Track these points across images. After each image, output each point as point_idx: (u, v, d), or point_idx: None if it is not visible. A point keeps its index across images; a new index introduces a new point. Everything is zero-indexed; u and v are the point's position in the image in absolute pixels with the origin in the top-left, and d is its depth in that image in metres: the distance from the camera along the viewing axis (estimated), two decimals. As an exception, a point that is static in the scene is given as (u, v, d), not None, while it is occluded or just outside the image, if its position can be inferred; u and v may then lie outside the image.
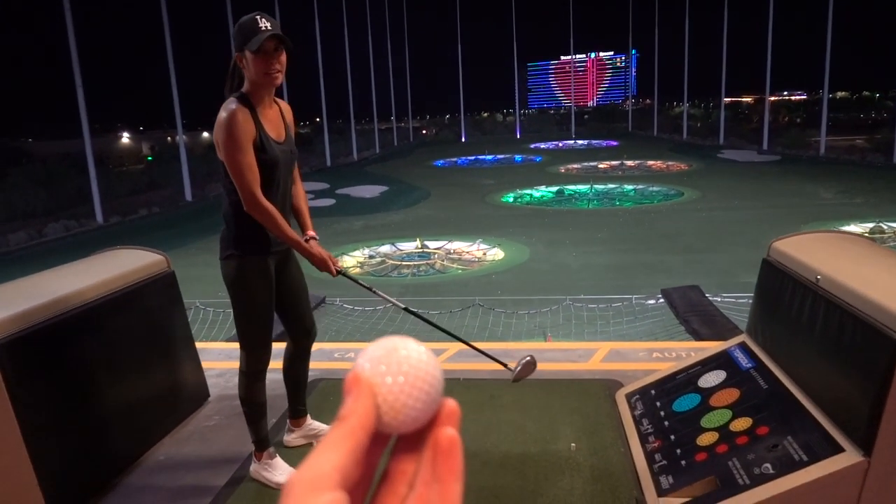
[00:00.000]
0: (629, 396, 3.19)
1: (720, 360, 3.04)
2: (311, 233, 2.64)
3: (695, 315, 5.56)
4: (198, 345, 3.69)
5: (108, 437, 2.78)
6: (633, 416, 2.99)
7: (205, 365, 3.61)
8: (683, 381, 3.04)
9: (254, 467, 2.72)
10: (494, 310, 6.94)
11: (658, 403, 2.97)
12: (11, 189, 18.52)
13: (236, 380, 3.72)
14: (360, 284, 2.74)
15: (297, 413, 2.96)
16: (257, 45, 2.29)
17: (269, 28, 2.31)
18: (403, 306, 2.80)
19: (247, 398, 2.65)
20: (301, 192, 2.70)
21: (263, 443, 2.70)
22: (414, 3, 41.82)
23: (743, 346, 3.05)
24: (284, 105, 2.63)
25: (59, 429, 2.52)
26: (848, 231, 3.55)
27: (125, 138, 33.47)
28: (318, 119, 31.60)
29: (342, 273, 2.60)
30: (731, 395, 2.71)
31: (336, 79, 32.30)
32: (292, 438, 2.97)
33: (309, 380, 3.05)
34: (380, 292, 2.77)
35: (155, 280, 3.19)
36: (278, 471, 2.67)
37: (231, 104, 2.38)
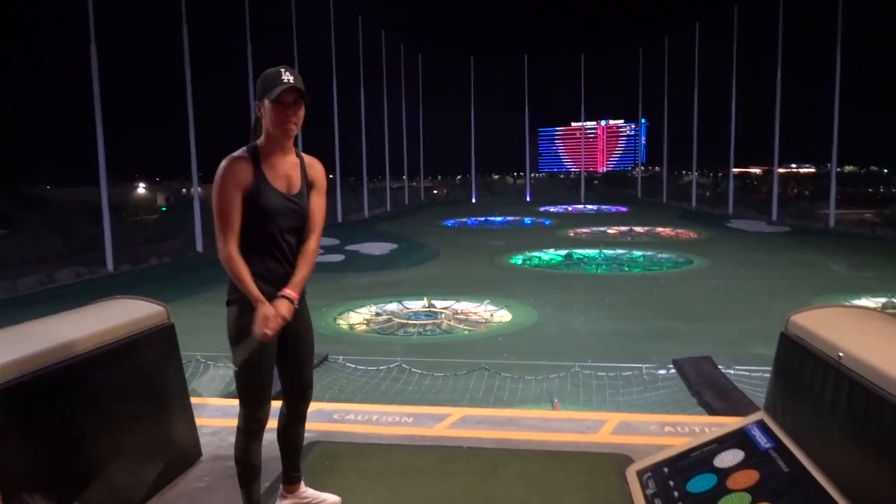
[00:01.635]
0: (640, 473, 3.03)
1: (737, 439, 2.89)
2: (288, 291, 2.42)
3: (708, 388, 5.39)
4: (194, 400, 3.57)
5: (92, 496, 2.64)
6: (645, 496, 2.83)
7: (199, 422, 3.49)
8: (698, 459, 2.89)
9: None
10: (500, 374, 6.79)
11: (671, 483, 2.82)
12: (27, 234, 18.69)
13: (231, 439, 3.59)
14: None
15: (290, 479, 2.82)
16: (276, 95, 2.35)
17: (291, 81, 2.39)
18: None
19: (241, 458, 2.53)
20: (308, 247, 2.54)
21: None
22: (430, 66, 43.05)
23: (761, 425, 2.91)
24: (311, 161, 2.60)
25: (41, 486, 2.40)
26: (864, 306, 3.44)
27: (141, 188, 33.99)
28: (330, 175, 32.05)
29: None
30: (750, 477, 2.56)
31: (350, 136, 32.91)
32: None
33: (305, 442, 2.93)
34: None
35: (153, 332, 3.11)
36: None
37: (233, 153, 2.43)
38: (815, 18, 26.69)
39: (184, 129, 21.39)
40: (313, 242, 2.53)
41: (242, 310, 2.44)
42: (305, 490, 2.86)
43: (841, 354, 2.38)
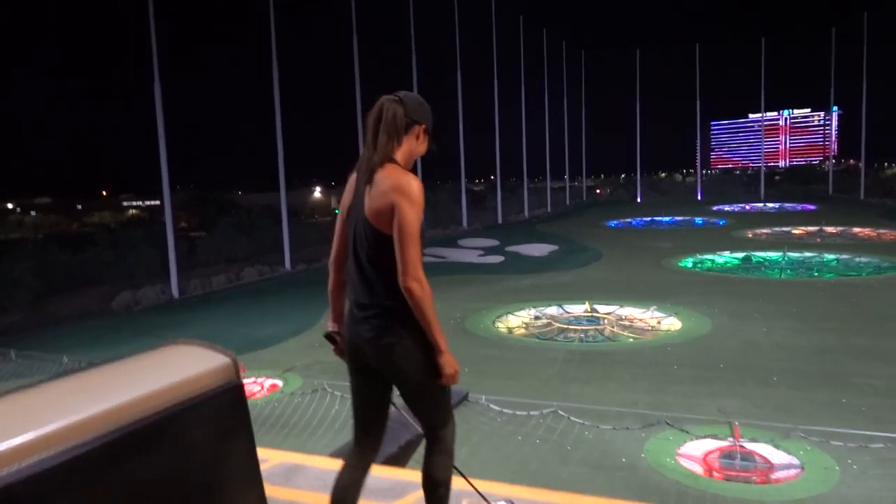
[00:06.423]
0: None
1: None
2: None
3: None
4: (294, 457, 3.04)
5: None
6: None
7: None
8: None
9: None
10: (682, 430, 5.95)
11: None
12: (220, 237, 20.81)
13: None
14: None
15: None
16: (431, 130, 2.39)
17: None
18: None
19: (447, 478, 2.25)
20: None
21: None
22: (593, 62, 41.94)
23: None
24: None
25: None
26: None
27: (317, 192, 36.58)
28: (491, 177, 32.30)
29: None
30: None
31: (510, 137, 32.99)
32: None
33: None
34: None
35: (214, 394, 2.06)
36: None
37: (410, 174, 2.28)
38: None
39: (354, 135, 22.65)
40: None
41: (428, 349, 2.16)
42: None
43: None
